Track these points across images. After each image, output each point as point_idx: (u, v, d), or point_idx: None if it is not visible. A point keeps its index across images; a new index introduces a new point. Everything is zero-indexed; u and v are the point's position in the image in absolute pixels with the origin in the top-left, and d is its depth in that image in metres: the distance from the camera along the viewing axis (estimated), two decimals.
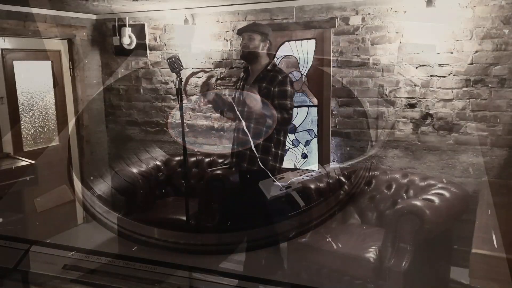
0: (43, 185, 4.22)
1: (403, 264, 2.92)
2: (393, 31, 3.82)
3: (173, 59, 3.11)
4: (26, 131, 4.59)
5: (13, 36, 4.34)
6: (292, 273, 3.47)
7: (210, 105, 3.94)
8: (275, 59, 4.36)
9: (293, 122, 4.40)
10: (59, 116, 4.88)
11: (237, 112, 3.42)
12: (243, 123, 3.36)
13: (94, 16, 5.02)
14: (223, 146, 4.69)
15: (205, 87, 3.57)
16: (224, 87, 4.60)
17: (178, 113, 4.39)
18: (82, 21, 4.92)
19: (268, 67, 3.43)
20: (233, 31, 4.43)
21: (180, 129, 3.31)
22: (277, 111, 3.26)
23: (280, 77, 3.36)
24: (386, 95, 3.93)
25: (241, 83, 3.55)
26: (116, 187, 4.35)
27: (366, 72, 3.97)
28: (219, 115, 3.90)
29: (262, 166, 3.33)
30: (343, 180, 3.83)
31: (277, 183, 2.93)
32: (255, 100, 3.19)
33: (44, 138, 4.76)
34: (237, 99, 3.52)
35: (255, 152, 3.34)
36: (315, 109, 4.31)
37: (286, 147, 4.44)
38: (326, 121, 4.23)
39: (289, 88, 3.36)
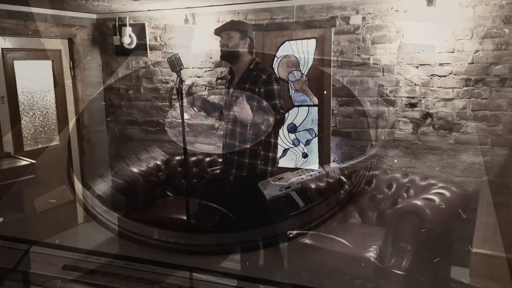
0: (43, 185, 4.22)
1: (404, 264, 2.92)
2: (394, 30, 3.82)
3: (173, 58, 3.10)
4: (27, 131, 4.59)
5: (14, 36, 4.34)
6: (292, 273, 3.47)
7: (201, 111, 3.75)
8: (275, 58, 4.36)
9: (293, 122, 4.40)
10: (59, 115, 4.88)
11: (224, 115, 3.34)
12: (229, 127, 3.26)
13: (94, 16, 5.02)
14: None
15: (189, 95, 3.45)
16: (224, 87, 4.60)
17: (178, 112, 4.40)
18: (83, 21, 4.92)
19: (251, 66, 3.25)
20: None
21: (180, 129, 3.30)
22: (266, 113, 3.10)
23: (264, 76, 3.17)
24: (386, 94, 3.93)
25: (228, 85, 3.41)
26: (116, 187, 4.35)
27: (366, 71, 3.97)
28: (214, 118, 3.75)
29: (252, 171, 3.23)
30: (344, 179, 3.83)
31: (277, 183, 2.93)
32: (246, 113, 3.00)
33: (44, 137, 4.77)
34: (224, 102, 3.41)
35: (243, 157, 3.23)
36: (316, 108, 4.31)
37: (287, 147, 4.45)
38: (326, 120, 4.23)
39: (275, 87, 3.17)
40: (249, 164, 3.23)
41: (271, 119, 3.06)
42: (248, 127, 3.16)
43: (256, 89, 3.14)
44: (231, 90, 3.31)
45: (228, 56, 3.29)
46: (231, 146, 3.27)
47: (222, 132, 3.49)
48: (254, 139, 3.18)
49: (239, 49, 3.24)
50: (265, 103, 3.10)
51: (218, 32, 3.33)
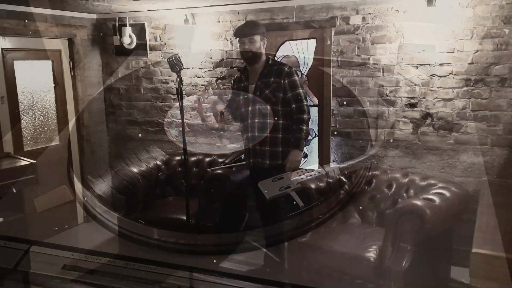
0: (43, 185, 4.23)
1: (403, 264, 2.92)
2: (394, 30, 3.82)
3: (173, 58, 3.11)
4: (27, 131, 4.60)
5: (14, 36, 4.34)
6: (292, 273, 3.47)
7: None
8: (276, 58, 4.36)
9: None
10: (59, 115, 4.88)
11: (247, 112, 3.54)
12: (257, 120, 3.50)
13: (94, 16, 5.02)
14: (224, 146, 4.71)
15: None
16: (225, 87, 4.60)
17: (178, 112, 4.40)
18: (83, 21, 4.92)
19: (270, 62, 3.53)
20: (233, 30, 4.43)
21: (180, 129, 3.31)
22: (293, 103, 3.44)
23: (286, 69, 3.47)
24: (386, 94, 3.93)
25: (245, 84, 3.60)
26: (116, 187, 4.35)
27: (366, 71, 3.97)
28: (218, 119, 3.81)
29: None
30: (343, 179, 3.83)
31: (277, 183, 2.92)
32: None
33: (44, 137, 4.77)
34: (243, 100, 3.58)
35: (276, 147, 3.49)
36: (315, 108, 4.31)
37: None
38: (326, 120, 4.23)
39: (297, 78, 3.50)
40: (283, 153, 3.52)
41: (294, 106, 3.46)
42: (278, 120, 3.49)
43: (282, 81, 3.45)
44: (252, 86, 3.53)
45: (252, 59, 3.50)
46: (261, 138, 3.52)
47: (242, 127, 3.70)
48: (284, 128, 3.50)
49: (261, 51, 3.51)
50: (289, 94, 3.44)
51: (239, 36, 3.51)
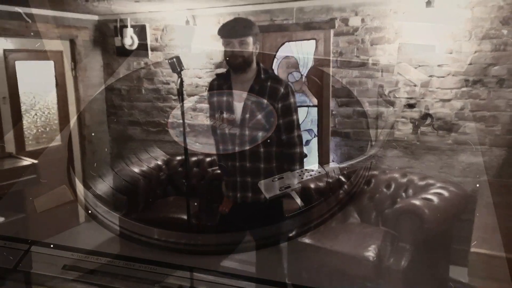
0: (44, 185, 4.24)
1: (403, 263, 2.94)
2: (393, 32, 3.83)
3: (174, 59, 3.10)
4: (28, 131, 4.62)
5: (15, 37, 4.37)
6: (292, 273, 3.49)
7: None
8: (275, 59, 4.37)
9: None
10: (61, 116, 4.90)
11: (234, 138, 2.83)
12: (247, 149, 2.80)
13: (95, 17, 5.04)
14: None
15: None
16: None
17: (179, 113, 4.41)
18: (84, 22, 4.94)
19: (262, 76, 2.74)
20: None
21: (181, 129, 3.31)
22: (283, 132, 2.77)
23: (282, 89, 2.71)
24: (385, 95, 3.94)
25: (228, 100, 2.81)
26: (117, 187, 4.37)
27: (365, 72, 3.98)
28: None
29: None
30: (343, 179, 3.85)
31: (277, 182, 2.94)
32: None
33: (46, 138, 4.79)
34: (224, 118, 2.85)
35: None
36: (315, 109, 4.33)
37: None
38: (325, 121, 4.25)
39: (293, 100, 2.77)
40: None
41: (284, 136, 2.80)
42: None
43: (276, 105, 2.71)
44: (239, 104, 2.77)
45: (240, 65, 2.72)
46: (251, 170, 2.89)
47: (223, 152, 3.00)
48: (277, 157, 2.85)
49: (253, 57, 2.74)
50: (281, 120, 2.74)
51: (228, 36, 2.76)
